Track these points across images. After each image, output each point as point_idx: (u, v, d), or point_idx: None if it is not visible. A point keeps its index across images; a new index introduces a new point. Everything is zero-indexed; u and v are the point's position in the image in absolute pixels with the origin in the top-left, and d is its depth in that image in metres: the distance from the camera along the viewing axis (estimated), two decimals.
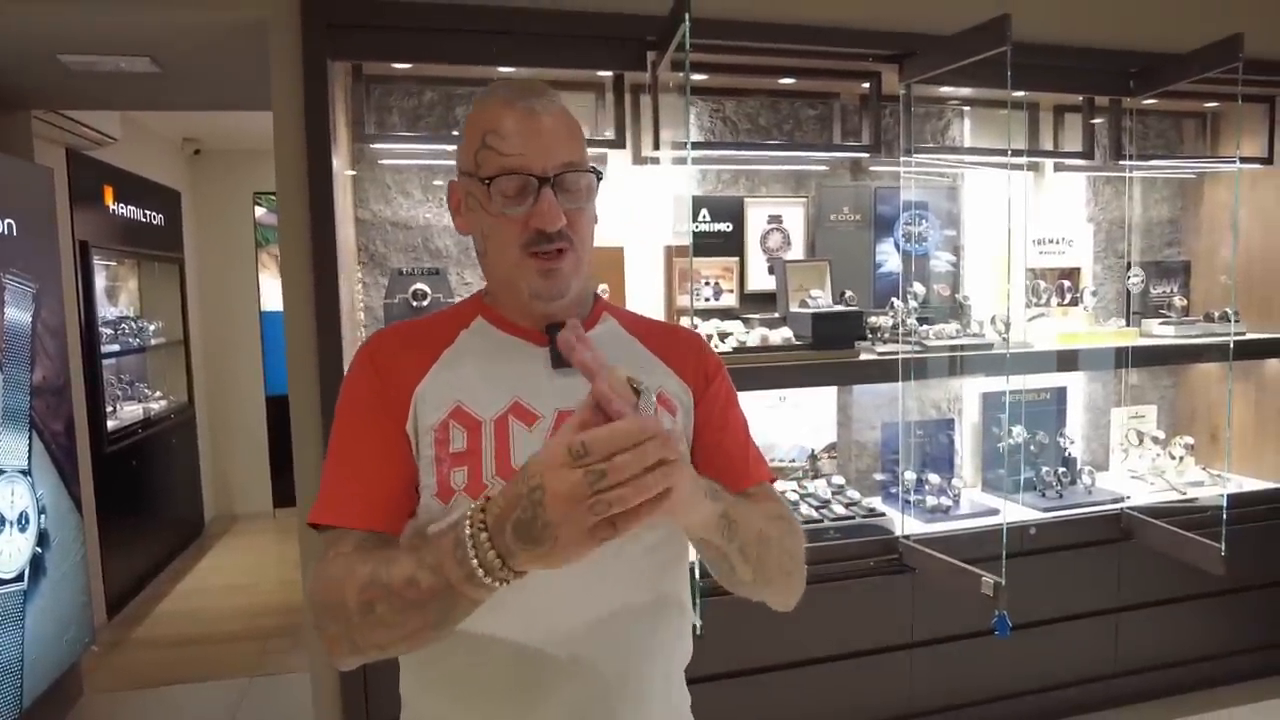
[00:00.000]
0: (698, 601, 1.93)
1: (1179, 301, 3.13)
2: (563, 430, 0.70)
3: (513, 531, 0.69)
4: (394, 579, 0.77)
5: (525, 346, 0.98)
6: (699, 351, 1.07)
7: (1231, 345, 2.66)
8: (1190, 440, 3.10)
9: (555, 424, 0.93)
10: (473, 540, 0.71)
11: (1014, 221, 2.29)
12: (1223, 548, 2.40)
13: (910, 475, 2.78)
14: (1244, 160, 2.95)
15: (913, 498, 2.74)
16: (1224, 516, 2.52)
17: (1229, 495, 2.66)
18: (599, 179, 0.97)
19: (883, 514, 2.64)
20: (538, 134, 0.91)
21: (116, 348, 4.37)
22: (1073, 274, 3.09)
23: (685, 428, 1.01)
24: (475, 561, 0.71)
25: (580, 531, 0.67)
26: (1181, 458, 3.07)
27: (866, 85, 2.68)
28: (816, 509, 2.63)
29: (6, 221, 2.64)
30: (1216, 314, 3.02)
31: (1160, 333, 2.98)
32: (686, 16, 1.90)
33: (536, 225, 0.90)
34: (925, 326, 2.74)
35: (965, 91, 2.88)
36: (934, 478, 2.81)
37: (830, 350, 2.53)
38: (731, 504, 0.88)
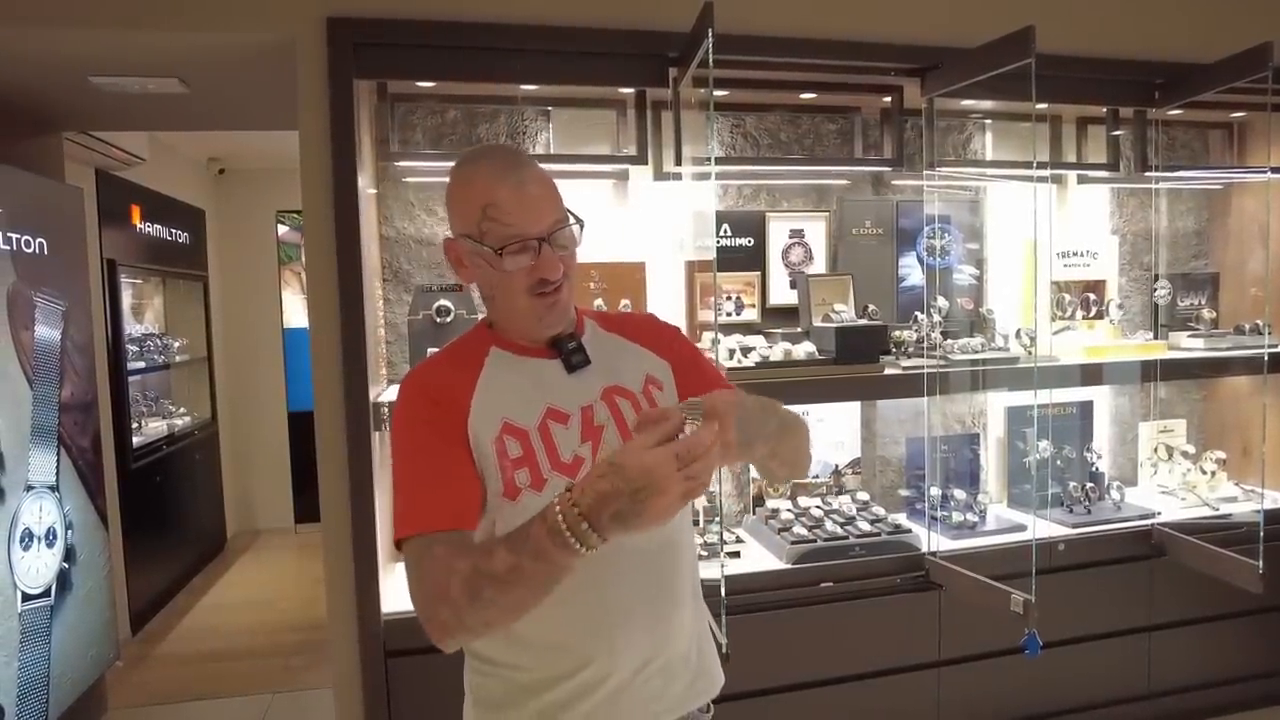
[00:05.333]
0: (723, 622, 1.91)
1: (1208, 314, 3.08)
2: (629, 449, 0.89)
3: (610, 518, 0.87)
4: (497, 568, 0.94)
5: (541, 362, 1.18)
6: (657, 327, 1.32)
7: (1266, 358, 2.61)
8: (1222, 455, 3.04)
9: (581, 418, 1.16)
10: (570, 528, 0.88)
11: (1038, 234, 2.26)
12: (1260, 565, 2.35)
13: (936, 491, 2.74)
14: (1275, 170, 2.90)
15: (939, 514, 2.70)
16: (1261, 533, 2.47)
17: (1265, 511, 2.61)
18: (581, 226, 1.15)
19: (908, 530, 2.61)
20: (531, 203, 1.09)
21: (142, 364, 4.42)
22: (1098, 287, 3.05)
23: (668, 383, 1.25)
24: (576, 542, 0.89)
25: (673, 509, 0.88)
26: (1213, 473, 3.02)
27: (888, 99, 2.67)
28: (842, 525, 2.60)
29: (39, 241, 2.69)
30: (1247, 326, 2.97)
31: (1189, 345, 2.94)
32: (710, 32, 1.90)
33: (540, 275, 1.10)
34: (949, 340, 2.71)
35: (988, 104, 2.87)
36: (959, 493, 2.78)
37: (855, 365, 2.51)
38: (775, 437, 1.11)
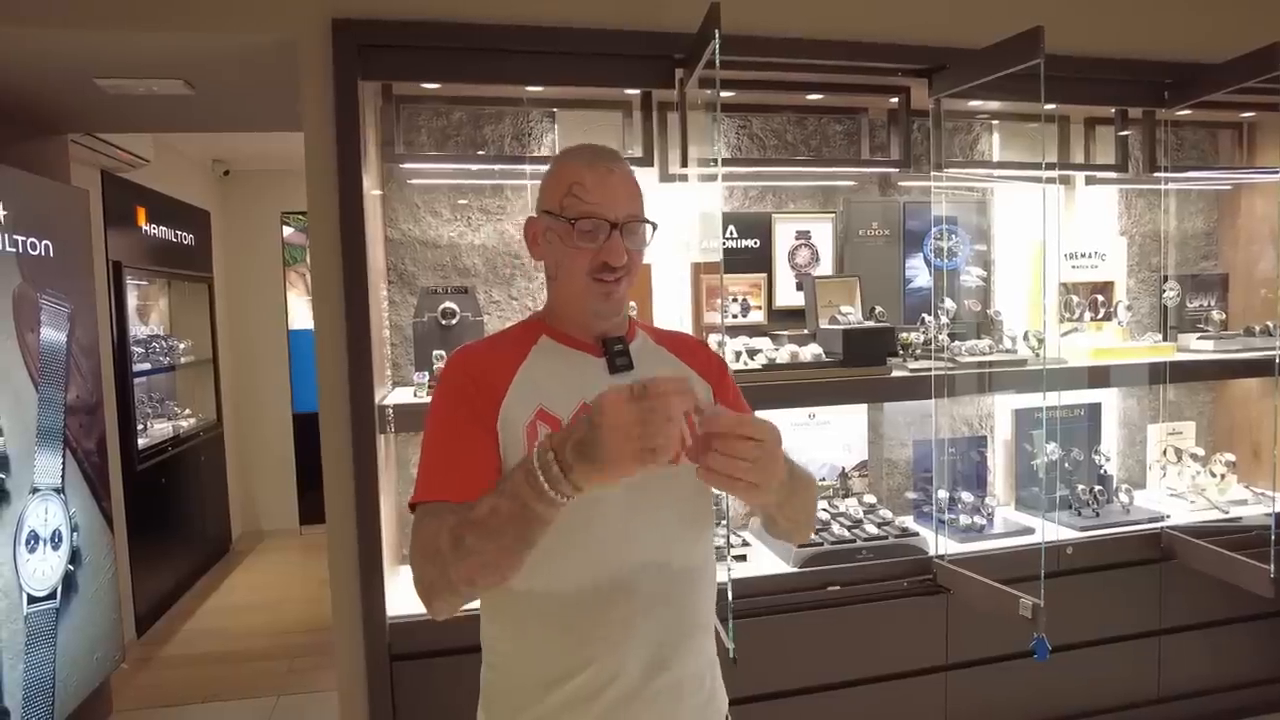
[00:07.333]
0: (730, 626, 1.90)
1: (1217, 315, 3.06)
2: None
3: (573, 449, 0.91)
4: (477, 514, 0.99)
5: (586, 358, 1.22)
6: (707, 354, 1.35)
7: (1276, 360, 2.59)
8: (1232, 457, 3.02)
9: None
10: (540, 460, 0.93)
11: (1046, 235, 2.25)
12: (1272, 569, 2.33)
13: (943, 494, 2.73)
14: None
15: (946, 517, 2.69)
16: (1272, 536, 2.45)
17: (1276, 514, 2.58)
18: (654, 230, 1.20)
19: (916, 533, 2.59)
20: (612, 189, 1.16)
21: (147, 366, 4.42)
22: (1106, 288, 3.04)
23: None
24: (543, 478, 0.93)
25: (626, 453, 0.89)
26: (1223, 475, 2.99)
27: (895, 100, 2.66)
28: (849, 528, 2.59)
29: (45, 243, 2.69)
30: (1257, 328, 2.95)
31: (1199, 347, 2.92)
32: (716, 33, 1.89)
33: (605, 259, 1.15)
34: (957, 342, 2.70)
35: (995, 105, 2.85)
36: (967, 496, 2.76)
37: (862, 367, 2.50)
38: (784, 495, 1.11)
